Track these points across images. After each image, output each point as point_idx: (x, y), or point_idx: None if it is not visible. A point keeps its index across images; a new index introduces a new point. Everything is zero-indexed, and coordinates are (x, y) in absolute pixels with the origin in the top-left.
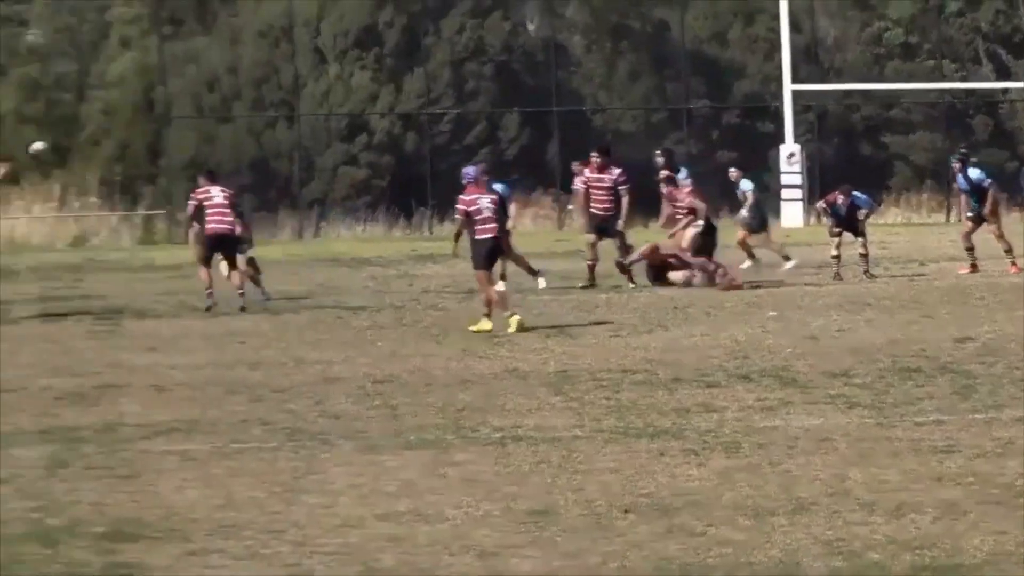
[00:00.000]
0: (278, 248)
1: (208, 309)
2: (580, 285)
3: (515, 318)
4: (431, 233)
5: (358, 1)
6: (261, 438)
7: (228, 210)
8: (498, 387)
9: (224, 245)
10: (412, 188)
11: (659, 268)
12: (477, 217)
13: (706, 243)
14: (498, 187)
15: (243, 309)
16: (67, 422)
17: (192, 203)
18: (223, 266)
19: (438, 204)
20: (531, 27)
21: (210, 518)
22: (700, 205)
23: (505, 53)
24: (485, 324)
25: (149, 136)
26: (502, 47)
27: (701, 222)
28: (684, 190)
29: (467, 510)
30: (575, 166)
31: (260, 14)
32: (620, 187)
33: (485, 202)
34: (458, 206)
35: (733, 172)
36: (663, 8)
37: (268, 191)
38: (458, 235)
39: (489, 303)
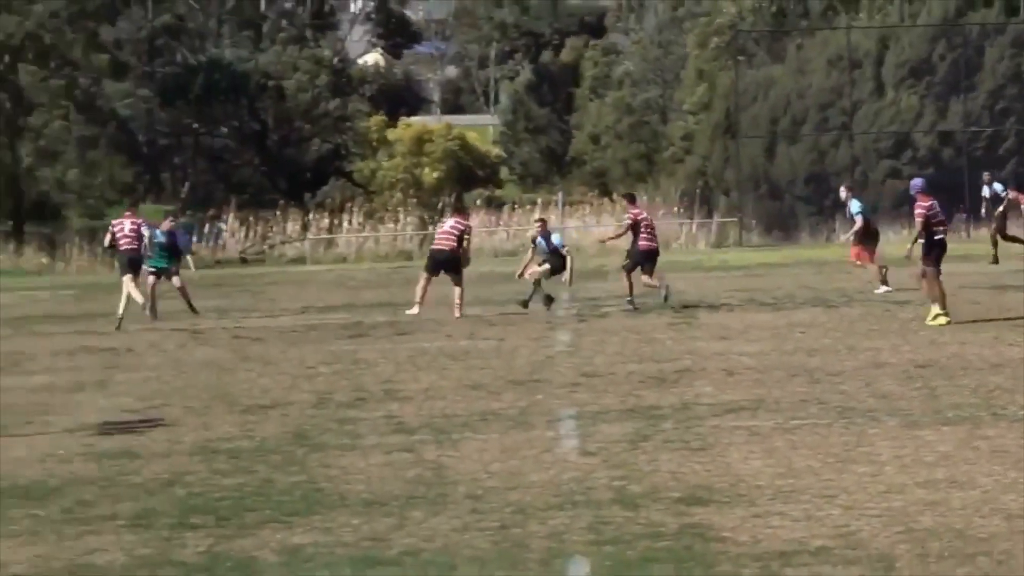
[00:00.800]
0: (835, 250)
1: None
2: None
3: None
4: (967, 237)
5: (918, 36)
6: (817, 415)
7: (653, 229)
8: None
9: (655, 258)
10: (950, 197)
11: None
12: (935, 220)
13: None
14: None
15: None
16: (648, 402)
17: (627, 222)
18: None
19: (971, 211)
20: None
21: (772, 485)
22: None
23: None
24: (942, 319)
25: (726, 154)
26: None
27: None
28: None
29: (996, 478)
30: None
31: (827, 46)
32: None
33: (938, 207)
34: (917, 211)
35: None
36: None
37: (823, 201)
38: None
39: (943, 297)
